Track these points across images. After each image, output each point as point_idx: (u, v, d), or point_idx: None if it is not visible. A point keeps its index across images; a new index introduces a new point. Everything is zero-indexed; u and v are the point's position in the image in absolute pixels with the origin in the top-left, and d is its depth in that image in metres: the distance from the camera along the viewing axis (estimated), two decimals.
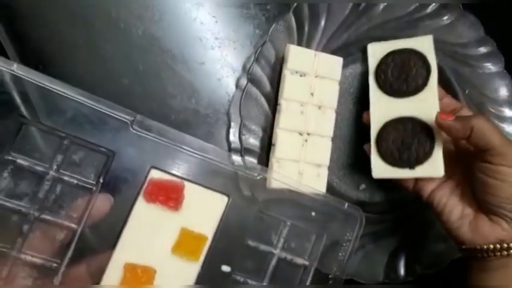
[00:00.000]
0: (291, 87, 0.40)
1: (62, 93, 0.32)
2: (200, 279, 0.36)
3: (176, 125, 0.40)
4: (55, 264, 0.33)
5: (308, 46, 0.42)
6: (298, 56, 0.40)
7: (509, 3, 0.48)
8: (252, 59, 0.41)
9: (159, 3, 0.40)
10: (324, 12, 0.42)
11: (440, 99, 0.40)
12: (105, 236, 0.34)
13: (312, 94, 0.41)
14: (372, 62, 0.42)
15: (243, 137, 0.40)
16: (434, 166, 0.38)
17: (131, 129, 0.34)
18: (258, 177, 0.37)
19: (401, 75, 0.41)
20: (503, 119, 0.47)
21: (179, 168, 0.35)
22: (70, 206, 0.33)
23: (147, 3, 0.40)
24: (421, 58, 0.41)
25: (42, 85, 0.32)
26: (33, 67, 0.36)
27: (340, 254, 0.38)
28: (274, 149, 0.40)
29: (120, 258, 0.34)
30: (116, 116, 0.34)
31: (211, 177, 0.36)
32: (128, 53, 0.40)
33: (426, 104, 0.40)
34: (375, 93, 0.42)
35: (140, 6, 0.40)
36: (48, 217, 0.33)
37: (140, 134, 0.34)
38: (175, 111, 0.41)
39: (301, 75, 0.40)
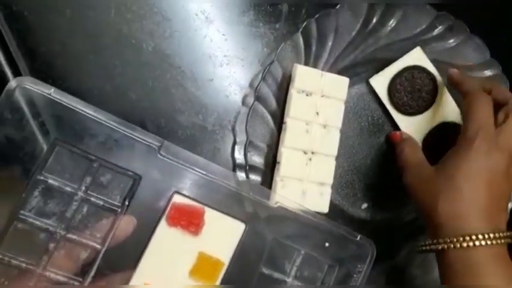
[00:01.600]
0: (297, 106, 0.41)
1: (94, 118, 0.34)
2: None
3: (183, 141, 0.41)
4: (77, 283, 0.34)
5: (315, 65, 0.43)
6: (305, 76, 0.41)
7: None
8: (260, 77, 0.42)
9: (170, 20, 0.41)
10: (331, 33, 0.43)
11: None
12: (127, 257, 0.35)
13: (317, 113, 0.41)
14: (382, 93, 0.44)
15: (248, 154, 0.41)
16: None
17: (158, 154, 0.35)
18: (275, 206, 0.38)
19: (414, 93, 0.44)
20: None
21: (200, 194, 0.36)
22: (95, 226, 0.34)
23: (158, 19, 0.41)
24: (421, 70, 0.44)
25: (77, 109, 0.33)
26: (43, 81, 0.37)
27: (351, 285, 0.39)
28: (279, 167, 0.41)
29: (140, 279, 0.35)
30: (144, 142, 0.35)
31: (231, 205, 0.37)
32: (138, 68, 0.40)
33: (446, 106, 0.44)
34: (400, 120, 0.44)
35: (152, 22, 0.40)
36: (73, 236, 0.34)
37: (167, 159, 0.35)
38: (183, 126, 0.41)
39: (307, 95, 0.41)
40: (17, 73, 0.38)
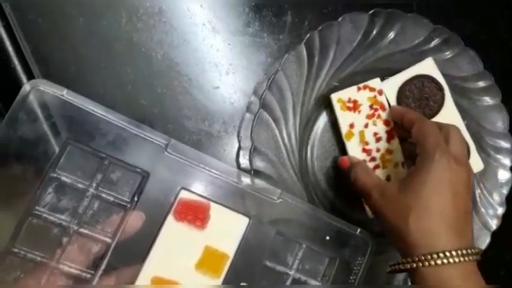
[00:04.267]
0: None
1: (104, 118, 0.35)
2: None
3: (190, 146, 0.42)
4: (89, 275, 0.35)
5: (317, 75, 0.44)
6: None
7: (506, 40, 0.52)
8: (264, 85, 0.43)
9: (178, 29, 0.42)
10: (333, 44, 0.44)
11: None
12: (136, 251, 0.36)
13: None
14: (391, 96, 0.45)
15: (253, 159, 0.42)
16: (475, 161, 0.46)
17: (165, 152, 0.37)
18: (278, 201, 0.40)
19: (422, 101, 0.45)
20: (499, 150, 0.49)
21: (206, 190, 0.38)
22: (106, 221, 0.36)
23: (167, 29, 0.42)
24: (431, 79, 0.45)
25: (88, 110, 0.35)
26: None
27: (351, 278, 0.41)
28: None
29: (148, 271, 0.36)
30: (152, 140, 0.36)
31: (235, 200, 0.38)
32: (148, 76, 0.42)
33: (450, 117, 0.45)
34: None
35: (161, 31, 0.42)
36: (85, 231, 0.35)
37: (173, 156, 0.37)
38: (190, 132, 0.43)
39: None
40: (31, 79, 0.39)
